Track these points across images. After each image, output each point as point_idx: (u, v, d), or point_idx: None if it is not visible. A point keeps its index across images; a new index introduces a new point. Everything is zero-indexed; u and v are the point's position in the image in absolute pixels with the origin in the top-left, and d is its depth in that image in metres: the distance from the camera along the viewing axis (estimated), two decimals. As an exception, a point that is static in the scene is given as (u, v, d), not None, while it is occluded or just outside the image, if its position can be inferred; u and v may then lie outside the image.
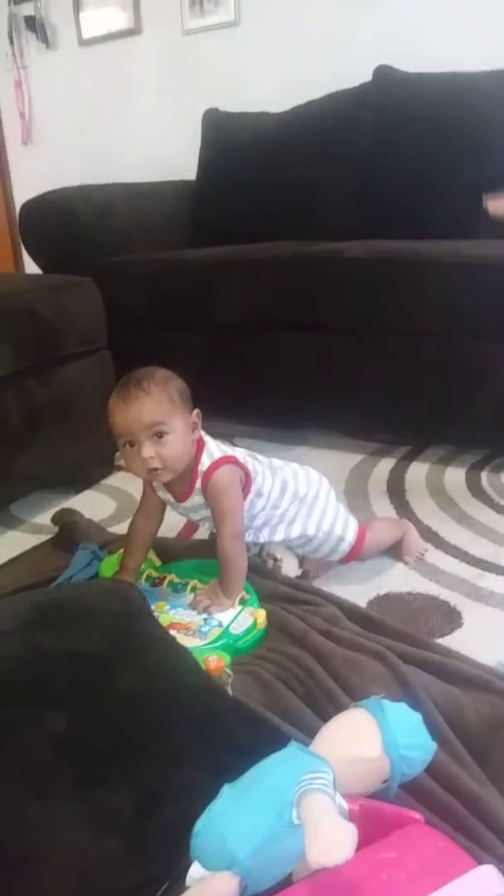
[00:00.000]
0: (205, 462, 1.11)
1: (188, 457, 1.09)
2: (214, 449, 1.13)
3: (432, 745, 0.71)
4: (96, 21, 2.87)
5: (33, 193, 2.21)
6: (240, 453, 1.17)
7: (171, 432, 1.05)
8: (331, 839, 0.56)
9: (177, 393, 1.07)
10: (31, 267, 2.44)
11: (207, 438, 1.14)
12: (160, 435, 1.04)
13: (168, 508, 1.21)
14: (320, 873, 0.59)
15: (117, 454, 1.83)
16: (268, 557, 1.27)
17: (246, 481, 1.15)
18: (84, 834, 0.63)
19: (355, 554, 1.25)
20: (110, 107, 2.93)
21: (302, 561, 1.29)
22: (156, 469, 1.06)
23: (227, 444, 1.18)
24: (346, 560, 1.27)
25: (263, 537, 1.22)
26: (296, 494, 1.20)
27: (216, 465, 1.11)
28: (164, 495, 1.18)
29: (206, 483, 1.11)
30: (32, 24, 3.00)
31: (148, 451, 1.04)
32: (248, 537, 1.19)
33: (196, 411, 1.11)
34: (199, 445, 1.12)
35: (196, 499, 1.14)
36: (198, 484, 1.12)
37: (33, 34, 3.02)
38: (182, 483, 1.13)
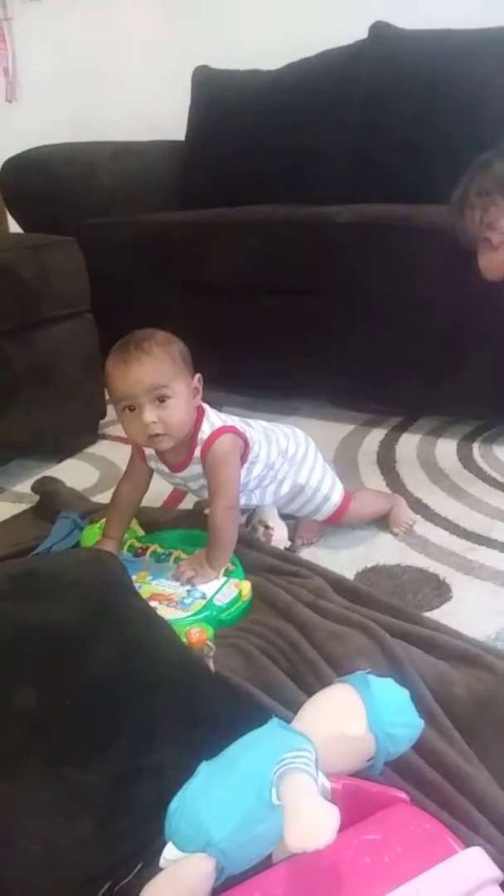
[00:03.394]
0: (205, 430, 1.08)
1: (190, 423, 1.06)
2: (215, 417, 1.11)
3: (419, 723, 0.69)
4: (84, -29, 2.76)
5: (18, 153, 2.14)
6: (233, 420, 1.14)
7: (174, 396, 1.02)
8: (311, 822, 0.54)
9: (179, 355, 1.04)
10: (14, 228, 2.37)
11: (205, 406, 1.11)
12: (162, 399, 1.01)
13: (155, 477, 1.18)
14: (301, 855, 0.56)
15: (101, 421, 1.79)
16: (259, 524, 1.25)
17: (245, 450, 1.13)
18: (54, 814, 0.60)
19: (339, 516, 1.24)
20: (98, 62, 2.82)
21: (295, 528, 1.27)
22: (157, 435, 1.02)
23: (221, 412, 1.15)
24: (329, 522, 1.25)
25: (255, 499, 1.20)
26: (285, 454, 1.19)
27: (217, 433, 1.09)
28: (157, 465, 1.15)
29: (206, 452, 1.08)
30: (16, -27, 2.88)
31: (150, 415, 1.01)
32: (241, 500, 1.17)
33: (198, 376, 1.08)
34: (199, 413, 1.09)
35: (195, 468, 1.11)
36: (197, 452, 1.09)
37: (18, -16, 2.90)
38: (180, 452, 1.10)
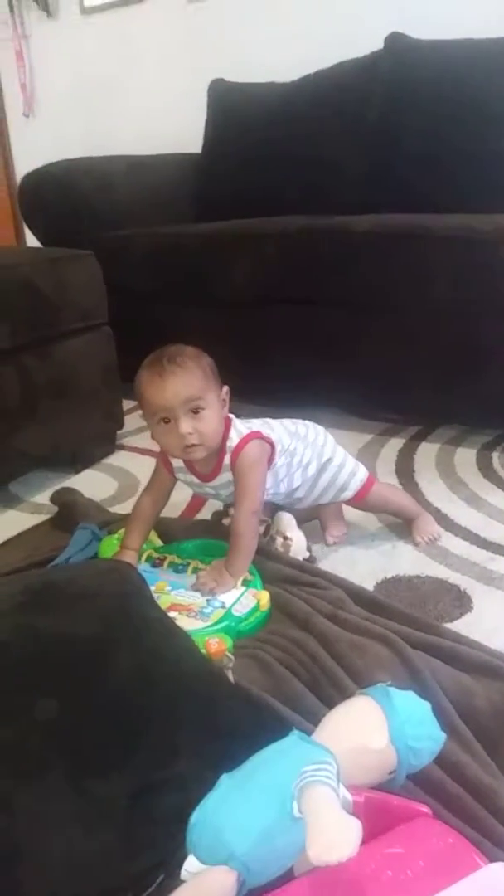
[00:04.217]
0: (234, 438, 1.12)
1: (221, 433, 1.10)
2: (241, 426, 1.14)
3: (441, 736, 0.68)
4: (99, -12, 2.79)
5: (35, 167, 2.16)
6: (256, 425, 1.17)
7: (207, 407, 1.05)
8: (333, 835, 0.53)
9: (209, 368, 1.08)
10: (32, 242, 2.39)
11: (231, 416, 1.14)
12: (196, 410, 1.05)
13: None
14: (323, 868, 0.56)
15: (119, 432, 1.80)
16: (277, 535, 1.25)
17: (271, 453, 1.15)
18: (75, 826, 0.60)
19: (365, 492, 1.25)
20: (113, 78, 2.85)
21: (323, 528, 1.29)
22: (193, 445, 1.05)
23: (244, 419, 1.18)
24: (355, 500, 1.27)
25: (284, 487, 1.21)
26: (305, 439, 1.22)
27: (245, 440, 1.11)
28: (187, 477, 1.17)
29: (235, 459, 1.11)
30: (33, -9, 2.92)
31: (186, 426, 1.04)
32: (272, 489, 1.19)
33: (225, 388, 1.11)
34: (227, 423, 1.12)
35: (225, 476, 1.14)
36: (226, 460, 1.12)
37: (34, 2, 2.94)
38: (210, 462, 1.13)
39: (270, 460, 1.16)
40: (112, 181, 2.14)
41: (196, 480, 1.17)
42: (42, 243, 2.16)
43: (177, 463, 1.16)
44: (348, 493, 1.25)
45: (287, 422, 1.23)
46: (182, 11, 2.64)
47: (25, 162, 3.00)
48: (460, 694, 0.84)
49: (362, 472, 1.26)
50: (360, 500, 1.27)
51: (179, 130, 2.55)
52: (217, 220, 2.09)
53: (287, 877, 0.60)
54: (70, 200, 2.05)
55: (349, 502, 1.28)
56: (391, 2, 2.19)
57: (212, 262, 1.87)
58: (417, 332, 1.65)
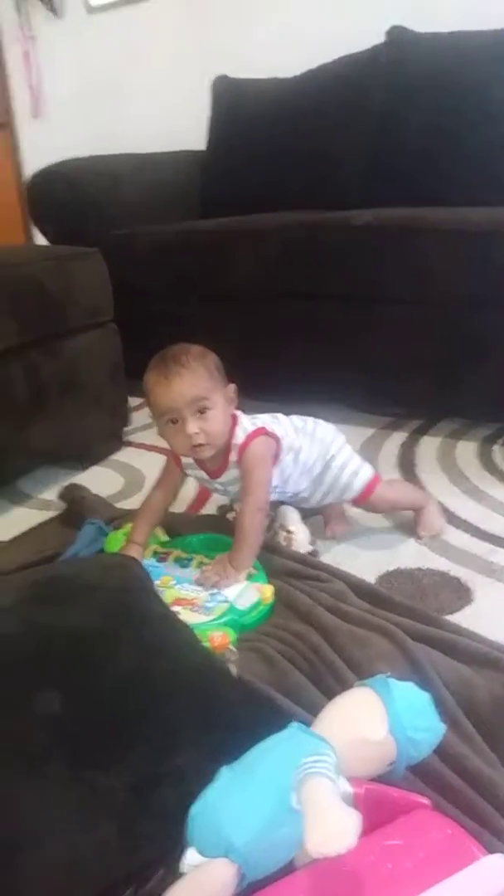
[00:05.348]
0: (239, 436, 1.13)
1: (227, 431, 1.11)
2: (247, 423, 1.15)
3: (441, 727, 0.68)
4: (104, -13, 2.79)
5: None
6: (263, 420, 1.17)
7: (213, 407, 1.07)
8: (331, 828, 0.54)
9: (214, 367, 1.09)
10: (40, 241, 2.40)
11: (238, 413, 1.15)
12: (203, 410, 1.06)
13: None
14: (323, 861, 0.56)
15: (125, 429, 1.81)
16: (280, 530, 1.25)
17: (277, 449, 1.16)
18: (76, 819, 0.61)
19: (369, 492, 1.23)
20: (119, 76, 2.85)
21: (325, 523, 1.29)
22: (200, 445, 1.07)
23: (251, 415, 1.18)
24: (359, 500, 1.25)
25: (291, 486, 1.22)
26: (313, 435, 1.22)
27: (251, 437, 1.13)
28: (197, 473, 1.18)
29: (241, 455, 1.12)
30: (38, -9, 2.92)
31: (193, 426, 1.05)
32: (275, 492, 1.19)
33: (232, 386, 1.12)
34: (234, 419, 1.13)
35: (232, 472, 1.15)
36: (233, 457, 1.13)
37: (40, 2, 2.94)
38: (217, 459, 1.14)
39: (277, 456, 1.16)
40: (119, 179, 2.14)
41: (205, 476, 1.18)
42: (50, 242, 2.16)
43: (187, 459, 1.17)
44: (351, 494, 1.24)
45: (296, 418, 1.24)
46: (186, 8, 2.64)
47: (35, 163, 3.00)
48: (461, 686, 0.85)
49: (365, 473, 1.24)
50: (363, 501, 1.26)
51: (186, 127, 2.55)
52: (221, 216, 2.09)
53: (288, 869, 0.61)
54: (78, 199, 2.05)
55: (354, 503, 1.27)
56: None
57: (215, 258, 1.87)
58: (418, 326, 1.64)
